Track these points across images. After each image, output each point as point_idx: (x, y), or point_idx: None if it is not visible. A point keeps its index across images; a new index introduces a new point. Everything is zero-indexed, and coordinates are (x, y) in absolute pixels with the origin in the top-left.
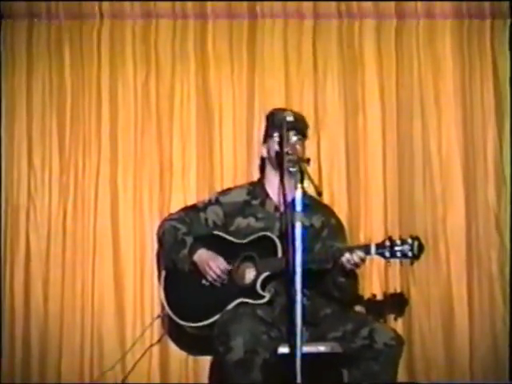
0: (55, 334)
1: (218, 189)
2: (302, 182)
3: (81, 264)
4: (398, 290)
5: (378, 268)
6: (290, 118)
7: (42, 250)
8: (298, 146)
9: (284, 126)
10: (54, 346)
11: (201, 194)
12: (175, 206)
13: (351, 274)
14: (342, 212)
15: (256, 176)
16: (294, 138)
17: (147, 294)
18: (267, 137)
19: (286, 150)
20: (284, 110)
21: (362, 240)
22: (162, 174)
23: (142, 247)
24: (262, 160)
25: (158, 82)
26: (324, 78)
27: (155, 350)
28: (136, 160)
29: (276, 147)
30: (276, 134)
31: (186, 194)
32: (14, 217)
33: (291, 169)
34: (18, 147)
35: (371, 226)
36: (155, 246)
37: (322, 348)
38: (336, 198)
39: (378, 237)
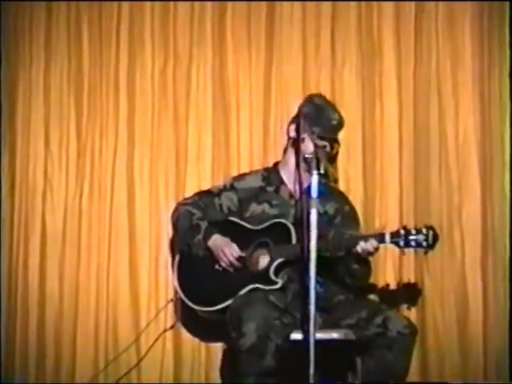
0: (70, 316)
1: (234, 175)
2: (318, 168)
3: (96, 247)
4: (412, 279)
5: (392, 256)
6: (334, 123)
7: (57, 232)
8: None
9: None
10: (69, 328)
11: (216, 180)
12: (190, 191)
13: (364, 262)
14: (357, 199)
15: (272, 162)
16: (323, 143)
17: (162, 277)
18: (303, 129)
19: (302, 136)
20: (334, 107)
21: (377, 228)
22: (178, 158)
23: (158, 231)
24: (289, 140)
25: (176, 68)
26: (342, 66)
27: (169, 335)
28: (152, 144)
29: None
30: (316, 129)
31: (201, 179)
32: (31, 199)
33: (307, 155)
34: (35, 130)
35: (386, 214)
36: (170, 229)
37: (335, 335)
38: (352, 186)
39: (394, 224)
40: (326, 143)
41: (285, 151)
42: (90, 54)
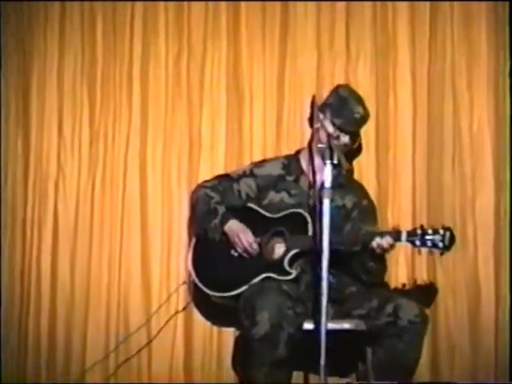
0: (81, 304)
1: (246, 163)
2: (331, 158)
3: (108, 234)
4: (425, 271)
5: (405, 249)
6: (357, 116)
7: (70, 219)
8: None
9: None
10: (80, 317)
11: (229, 169)
12: (203, 179)
13: (380, 259)
14: (370, 191)
15: (285, 152)
16: (344, 140)
17: (173, 268)
18: (326, 109)
19: (316, 126)
20: (359, 100)
21: (390, 219)
22: (191, 147)
23: (170, 219)
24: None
25: (190, 58)
26: (356, 59)
27: (180, 319)
28: (165, 133)
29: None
30: (337, 121)
31: (213, 168)
32: (43, 187)
33: (320, 145)
34: (48, 118)
35: (399, 206)
36: (183, 218)
37: (346, 325)
38: (365, 177)
39: (406, 216)
40: (339, 133)
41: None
42: (104, 43)
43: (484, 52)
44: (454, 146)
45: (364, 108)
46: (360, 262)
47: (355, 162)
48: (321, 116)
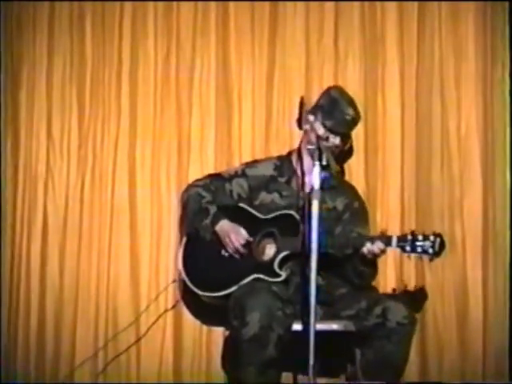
0: (70, 303)
1: (236, 164)
2: (320, 159)
3: (97, 236)
4: (413, 273)
5: (394, 252)
6: (347, 118)
7: (59, 220)
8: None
9: (339, 122)
10: (69, 316)
11: (218, 168)
12: (192, 180)
13: (372, 263)
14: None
15: (274, 153)
16: (333, 141)
17: (162, 267)
18: (317, 111)
19: (305, 127)
20: (350, 102)
21: (378, 221)
22: (180, 147)
23: (159, 220)
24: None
25: (179, 57)
26: (345, 58)
27: (169, 317)
28: (155, 133)
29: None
30: (328, 123)
31: (203, 168)
32: (32, 188)
33: (309, 146)
34: (37, 119)
35: (388, 206)
36: (172, 218)
37: (334, 326)
38: (354, 178)
39: (395, 218)
40: (329, 135)
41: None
42: (93, 43)
43: (472, 52)
44: (442, 147)
45: (355, 110)
46: (352, 266)
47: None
48: (311, 118)
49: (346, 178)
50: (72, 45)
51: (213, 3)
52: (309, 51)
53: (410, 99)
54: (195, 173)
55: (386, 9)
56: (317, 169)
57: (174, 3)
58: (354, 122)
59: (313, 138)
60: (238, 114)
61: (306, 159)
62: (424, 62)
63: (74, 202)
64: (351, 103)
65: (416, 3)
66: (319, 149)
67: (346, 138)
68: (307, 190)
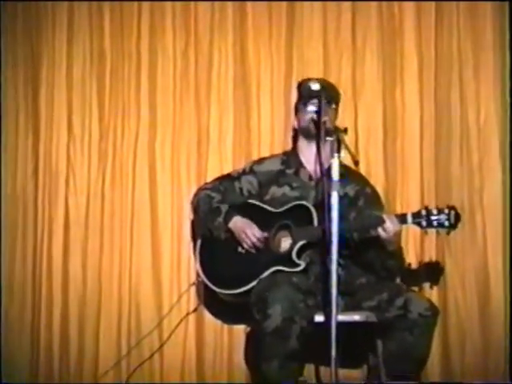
0: (93, 300)
1: (255, 158)
2: (339, 151)
3: (119, 230)
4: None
5: (414, 240)
6: (314, 87)
7: (80, 216)
8: (314, 116)
9: (306, 95)
10: (92, 313)
11: (237, 162)
12: (212, 174)
13: (399, 256)
14: (378, 182)
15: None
16: (312, 108)
17: (184, 262)
18: (297, 107)
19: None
20: (310, 79)
21: (398, 210)
22: (200, 141)
23: (180, 214)
24: (294, 131)
25: (197, 51)
26: (363, 50)
27: (191, 319)
28: (174, 127)
29: (306, 117)
30: (302, 105)
31: (222, 162)
32: (54, 183)
33: (328, 138)
34: (57, 114)
35: (407, 197)
36: (191, 214)
37: (356, 317)
38: (373, 168)
39: (415, 207)
40: (309, 110)
41: (294, 141)
42: (112, 37)
43: (490, 42)
44: (462, 137)
45: (321, 80)
46: (380, 261)
47: (362, 153)
48: (301, 107)
49: (365, 169)
50: (91, 41)
51: (229, 3)
52: (326, 42)
53: (428, 90)
54: (214, 166)
55: (404, 3)
56: (336, 160)
57: (192, 3)
58: (323, 88)
59: (302, 120)
60: (257, 107)
61: (309, 146)
62: (442, 52)
63: (95, 197)
64: (317, 79)
65: None
66: (338, 140)
67: (325, 105)
68: (314, 180)
